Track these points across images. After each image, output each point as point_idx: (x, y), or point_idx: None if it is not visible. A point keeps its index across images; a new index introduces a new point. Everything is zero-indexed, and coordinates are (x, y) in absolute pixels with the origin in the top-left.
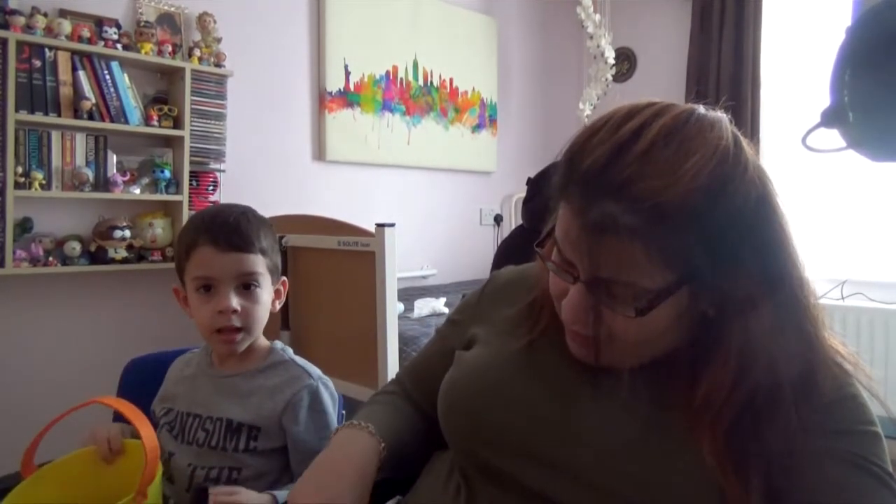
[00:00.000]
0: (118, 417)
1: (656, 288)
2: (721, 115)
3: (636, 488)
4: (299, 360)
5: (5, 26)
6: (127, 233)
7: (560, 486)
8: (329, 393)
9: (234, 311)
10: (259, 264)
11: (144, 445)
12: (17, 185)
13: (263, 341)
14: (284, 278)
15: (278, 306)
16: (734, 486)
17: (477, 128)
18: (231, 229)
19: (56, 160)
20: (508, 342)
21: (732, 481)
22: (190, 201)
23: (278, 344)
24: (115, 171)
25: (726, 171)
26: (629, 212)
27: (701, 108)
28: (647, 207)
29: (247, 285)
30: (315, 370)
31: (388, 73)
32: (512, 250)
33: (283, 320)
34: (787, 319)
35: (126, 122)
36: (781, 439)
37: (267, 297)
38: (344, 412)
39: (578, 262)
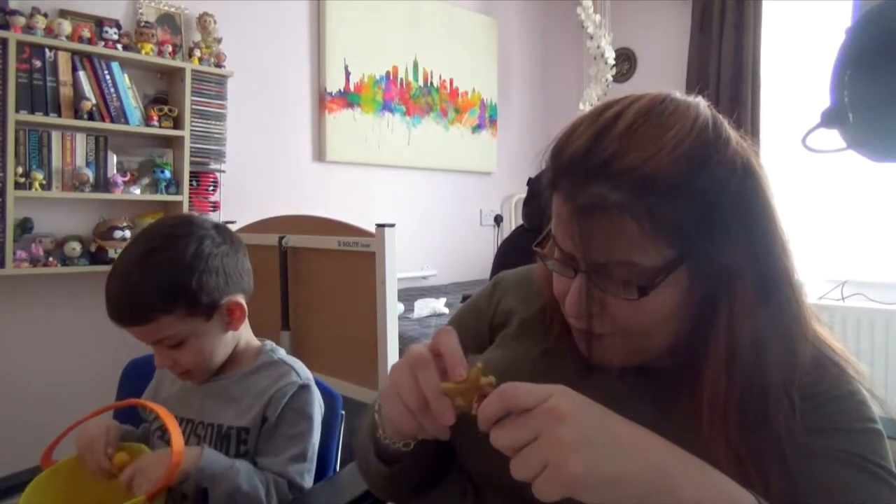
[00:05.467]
0: (118, 415)
1: (656, 265)
2: (698, 98)
3: None
4: (289, 359)
5: (6, 26)
6: (127, 233)
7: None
8: (316, 398)
9: (171, 366)
10: (166, 327)
11: (172, 449)
12: (18, 186)
13: (253, 342)
14: (234, 298)
15: (239, 327)
16: (754, 487)
17: (477, 128)
18: (121, 306)
19: (56, 160)
20: (525, 347)
21: (752, 481)
22: (190, 202)
23: (268, 344)
24: (115, 171)
25: (708, 139)
26: (615, 188)
27: (676, 93)
28: (631, 180)
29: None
30: (305, 372)
31: (388, 73)
32: (512, 251)
33: (283, 320)
34: (776, 300)
35: (126, 122)
36: (784, 436)
37: (203, 342)
38: (343, 412)
39: (575, 250)
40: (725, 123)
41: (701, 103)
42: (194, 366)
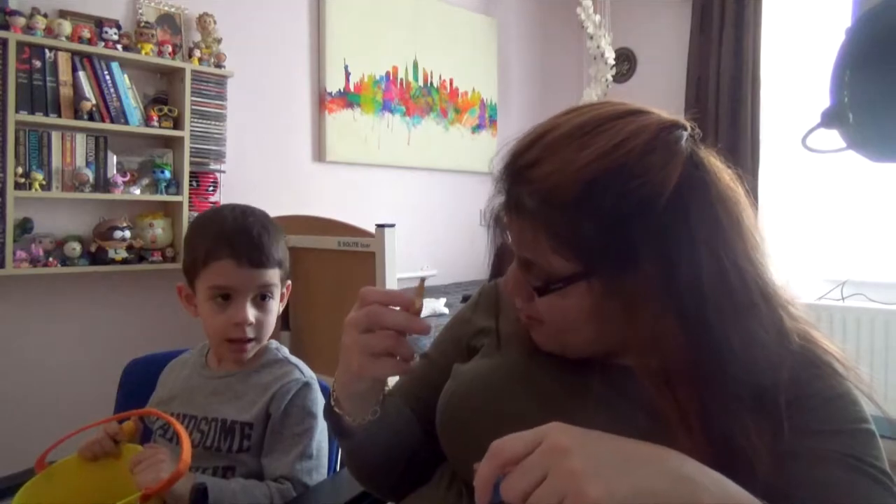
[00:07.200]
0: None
1: (554, 273)
2: (660, 120)
3: None
4: (293, 359)
5: (5, 27)
6: (127, 233)
7: None
8: (320, 397)
9: (250, 324)
10: (275, 276)
11: (182, 458)
12: (18, 186)
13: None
14: (289, 282)
15: (281, 308)
16: None
17: (477, 128)
18: (254, 246)
19: (56, 161)
20: (510, 353)
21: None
22: (190, 202)
23: (273, 343)
24: (115, 171)
25: (626, 163)
26: (529, 194)
27: (654, 113)
28: (538, 190)
29: (262, 296)
30: (309, 371)
31: (388, 73)
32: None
33: (283, 321)
34: (736, 315)
35: (126, 122)
36: (768, 441)
37: (277, 306)
38: None
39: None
40: (677, 146)
41: (653, 126)
42: (264, 329)
